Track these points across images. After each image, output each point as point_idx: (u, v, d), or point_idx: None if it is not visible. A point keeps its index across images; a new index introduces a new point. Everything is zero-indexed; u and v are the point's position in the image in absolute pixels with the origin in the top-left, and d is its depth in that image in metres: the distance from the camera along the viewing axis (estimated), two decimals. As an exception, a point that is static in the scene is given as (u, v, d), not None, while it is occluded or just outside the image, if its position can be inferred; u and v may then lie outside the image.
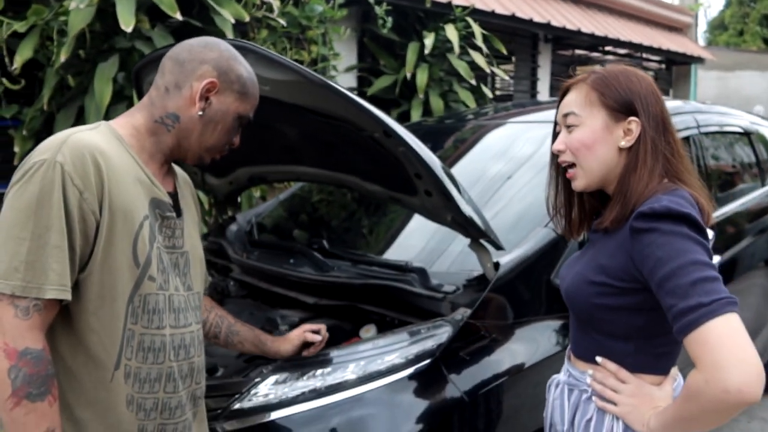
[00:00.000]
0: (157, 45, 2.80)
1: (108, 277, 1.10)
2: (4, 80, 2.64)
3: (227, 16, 2.86)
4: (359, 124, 1.62)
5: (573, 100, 1.23)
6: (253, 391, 1.54)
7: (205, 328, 1.51)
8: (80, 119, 2.83)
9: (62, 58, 2.54)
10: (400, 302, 1.85)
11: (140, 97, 2.28)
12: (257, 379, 1.56)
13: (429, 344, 1.60)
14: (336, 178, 2.08)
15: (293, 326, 1.96)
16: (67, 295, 1.06)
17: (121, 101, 2.84)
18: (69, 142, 1.09)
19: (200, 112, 1.20)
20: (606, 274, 1.16)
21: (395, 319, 1.88)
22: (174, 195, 1.25)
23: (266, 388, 1.55)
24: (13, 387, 1.01)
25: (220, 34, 2.97)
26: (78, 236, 1.07)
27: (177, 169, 1.37)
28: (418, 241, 2.16)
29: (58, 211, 1.04)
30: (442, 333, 1.61)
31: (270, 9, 3.29)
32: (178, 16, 2.64)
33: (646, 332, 1.17)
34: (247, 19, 2.92)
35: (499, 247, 1.72)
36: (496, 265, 1.72)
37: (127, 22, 2.51)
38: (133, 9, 2.58)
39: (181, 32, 3.01)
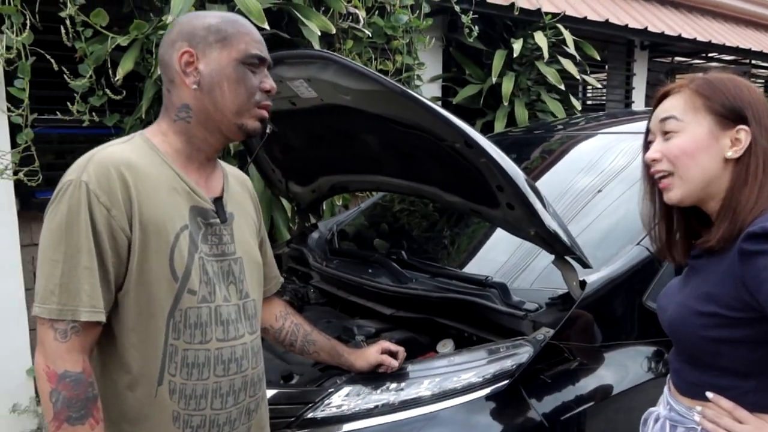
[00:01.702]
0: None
1: (145, 294, 1.07)
2: (108, 91, 2.81)
3: (314, 28, 2.91)
4: (440, 134, 1.58)
5: (673, 105, 1.13)
6: (326, 401, 1.53)
7: (280, 336, 1.51)
8: (175, 128, 2.95)
9: (159, 70, 2.67)
10: (478, 318, 1.79)
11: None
12: (331, 390, 1.55)
13: (508, 364, 1.53)
14: (416, 189, 2.05)
15: (369, 337, 1.94)
16: (100, 317, 1.04)
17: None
18: (94, 159, 1.06)
19: (194, 86, 1.12)
20: (715, 304, 1.05)
21: (473, 335, 1.82)
22: (219, 199, 1.19)
23: (339, 399, 1.53)
24: (54, 410, 1.01)
25: (307, 46, 3.03)
26: (110, 254, 1.05)
27: (230, 170, 1.31)
28: (498, 255, 2.09)
29: (86, 232, 1.02)
30: (523, 353, 1.54)
31: (356, 20, 3.32)
32: (266, 27, 2.71)
33: (767, 367, 1.05)
34: (333, 31, 2.96)
35: (586, 264, 1.62)
36: (583, 284, 1.63)
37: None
38: (225, 22, 2.67)
39: (270, 44, 3.09)
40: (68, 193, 1.04)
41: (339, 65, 1.55)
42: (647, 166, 1.18)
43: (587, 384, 1.65)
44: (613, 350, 1.73)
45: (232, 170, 1.32)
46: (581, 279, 1.63)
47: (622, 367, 1.73)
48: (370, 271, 2.16)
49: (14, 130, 2.78)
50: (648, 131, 1.20)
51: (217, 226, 1.16)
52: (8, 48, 2.64)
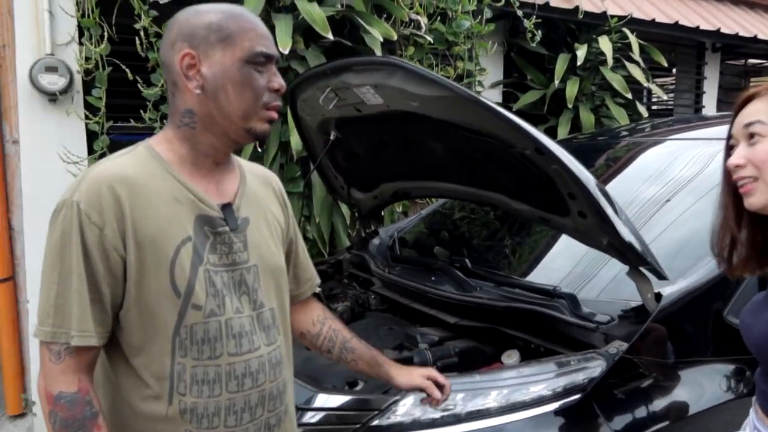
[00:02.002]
0: (310, 64, 2.93)
1: (147, 312, 1.03)
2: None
3: (376, 35, 2.92)
4: (509, 140, 1.55)
5: (759, 110, 1.07)
6: (392, 409, 1.52)
7: (317, 341, 1.41)
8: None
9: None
10: (546, 329, 1.75)
11: (294, 114, 2.39)
12: (397, 397, 1.53)
13: (579, 378, 1.48)
14: (481, 196, 2.02)
15: (433, 345, 1.92)
16: (89, 341, 1.01)
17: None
18: (87, 177, 1.03)
19: (198, 91, 1.05)
20: None
21: (540, 346, 1.77)
22: (229, 205, 1.12)
23: (405, 408, 1.52)
24: (53, 430, 1.01)
25: (370, 53, 3.05)
26: (103, 275, 1.01)
27: (251, 168, 1.24)
28: (564, 264, 2.04)
29: (77, 254, 1.00)
30: (595, 367, 1.49)
31: (418, 26, 3.32)
32: (330, 36, 2.74)
33: None
34: (395, 38, 2.97)
35: (662, 276, 1.56)
36: (658, 296, 1.56)
37: (284, 43, 2.65)
38: (290, 31, 2.72)
39: (333, 52, 3.14)
40: (61, 215, 1.01)
41: (408, 71, 1.55)
42: (728, 172, 1.12)
43: (661, 402, 1.58)
44: (689, 367, 1.65)
45: (253, 169, 1.25)
46: (656, 291, 1.57)
47: (698, 386, 1.65)
48: (433, 278, 2.14)
49: (91, 137, 2.91)
50: (730, 136, 1.14)
51: (226, 234, 1.10)
52: (87, 59, 2.77)
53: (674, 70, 5.94)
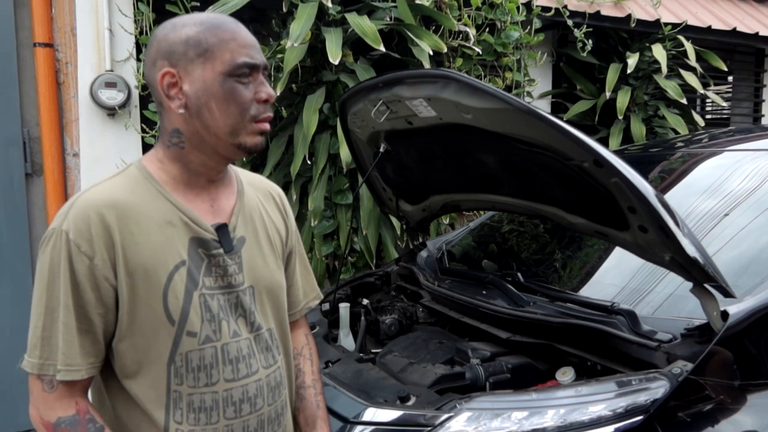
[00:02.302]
0: (359, 77, 2.95)
1: (141, 341, 1.01)
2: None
3: (425, 47, 2.92)
4: (566, 152, 1.52)
5: None
6: (445, 426, 1.50)
7: None
8: (290, 146, 3.07)
9: (278, 91, 2.79)
10: (603, 346, 1.69)
11: (344, 127, 2.41)
12: (450, 414, 1.51)
13: (641, 399, 1.42)
14: (534, 209, 1.99)
15: (484, 360, 1.89)
16: (74, 375, 0.98)
17: (325, 130, 3.04)
18: (76, 205, 1.00)
19: (181, 110, 1.01)
20: None
21: (597, 364, 1.72)
22: (225, 226, 1.08)
23: (459, 425, 1.49)
24: None
25: (418, 65, 3.05)
26: (94, 305, 0.98)
27: (250, 180, 1.21)
28: (619, 279, 1.97)
29: (65, 286, 0.97)
30: (657, 387, 1.43)
31: (466, 38, 3.31)
32: (382, 48, 2.75)
33: None
34: (444, 50, 2.96)
35: (728, 293, 1.49)
36: (725, 315, 1.49)
37: (334, 55, 2.68)
38: (340, 43, 2.75)
39: (381, 64, 3.15)
40: (50, 244, 0.99)
41: (462, 84, 1.53)
42: None
43: (728, 426, 1.50)
44: (758, 390, 1.57)
45: (253, 180, 1.22)
46: (723, 309, 1.50)
47: (767, 411, 1.57)
48: (483, 292, 2.11)
49: (147, 149, 3.00)
50: None
51: (221, 256, 1.07)
52: (144, 75, 2.86)
53: (731, 78, 5.74)
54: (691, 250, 1.41)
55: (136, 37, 2.90)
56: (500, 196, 2.08)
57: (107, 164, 2.92)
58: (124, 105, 2.89)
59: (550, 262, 2.42)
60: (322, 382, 1.33)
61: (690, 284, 1.54)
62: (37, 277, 1.01)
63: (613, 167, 1.39)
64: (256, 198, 1.19)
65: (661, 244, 1.49)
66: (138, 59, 2.92)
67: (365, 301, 2.61)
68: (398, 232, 3.20)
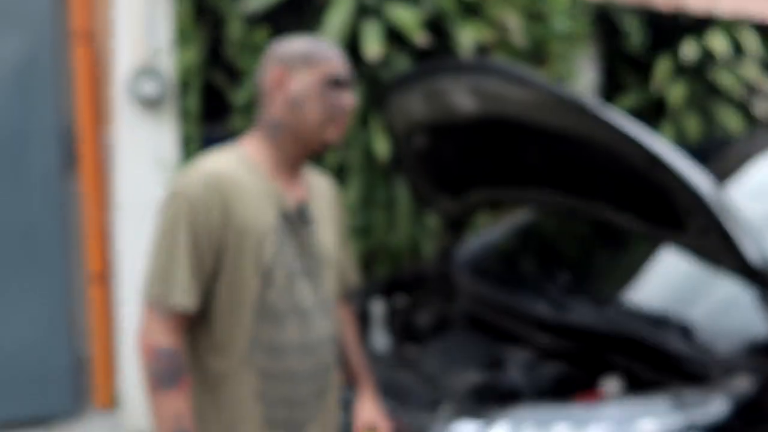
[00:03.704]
0: (397, 70, 2.86)
1: (235, 286, 1.22)
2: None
3: (468, 38, 2.81)
4: (621, 149, 1.41)
5: None
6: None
7: None
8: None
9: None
10: (653, 357, 1.58)
11: (384, 117, 2.33)
12: (487, 422, 1.42)
13: (697, 416, 1.31)
14: (582, 206, 1.87)
15: (524, 367, 1.80)
16: (189, 303, 1.19)
17: (361, 123, 2.96)
18: (192, 172, 1.23)
19: (283, 105, 1.25)
20: None
21: (647, 375, 1.61)
22: (303, 204, 1.31)
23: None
24: (151, 378, 1.19)
25: (460, 56, 2.94)
26: (206, 252, 1.20)
27: (315, 177, 1.43)
28: (671, 286, 1.85)
29: (185, 235, 1.19)
30: (717, 405, 1.31)
31: (509, 28, 3.18)
32: (422, 41, 2.65)
33: None
34: (490, 40, 2.84)
35: (796, 305, 1.36)
36: (792, 328, 1.37)
37: (372, 49, 2.60)
38: (377, 36, 2.66)
39: (420, 57, 3.05)
40: (173, 203, 1.22)
41: (510, 75, 1.44)
42: None
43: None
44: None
45: (316, 176, 1.45)
46: (790, 322, 1.37)
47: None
48: (525, 295, 2.01)
49: (186, 143, 2.98)
50: None
51: (300, 228, 1.29)
52: (183, 66, 2.84)
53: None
54: (756, 258, 1.29)
55: (176, 26, 2.87)
56: (545, 191, 1.97)
57: (144, 157, 2.91)
58: (161, 97, 2.86)
59: (596, 265, 2.30)
60: (358, 342, 1.57)
61: (750, 293, 1.42)
62: (160, 228, 1.23)
63: (672, 166, 1.27)
64: (319, 190, 1.42)
65: (722, 250, 1.37)
66: (176, 50, 2.90)
67: (399, 300, 2.53)
68: (434, 230, 3.11)
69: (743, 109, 3.94)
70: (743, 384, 1.33)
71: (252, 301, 1.24)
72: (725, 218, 1.26)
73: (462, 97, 1.73)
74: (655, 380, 1.57)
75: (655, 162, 1.31)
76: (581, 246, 2.52)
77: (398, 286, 2.68)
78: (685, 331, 1.50)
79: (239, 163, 1.27)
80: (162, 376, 1.19)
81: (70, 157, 2.94)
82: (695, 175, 1.27)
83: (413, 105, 1.97)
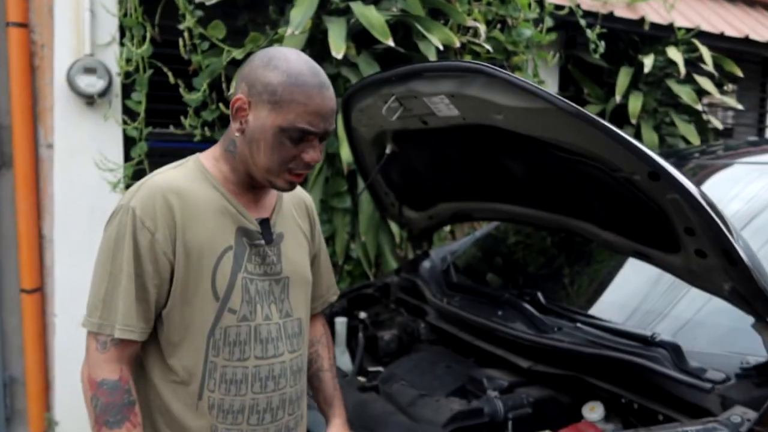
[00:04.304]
0: (362, 71, 2.73)
1: (188, 312, 1.13)
2: (221, 105, 2.73)
3: (435, 41, 2.71)
4: (615, 162, 1.31)
5: None
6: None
7: None
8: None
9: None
10: (640, 382, 1.49)
11: (346, 125, 2.19)
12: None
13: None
14: (562, 223, 1.78)
15: (502, 391, 1.68)
16: (131, 335, 1.10)
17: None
18: (144, 186, 1.13)
19: (237, 133, 1.15)
20: None
21: (632, 402, 1.52)
22: (266, 221, 1.21)
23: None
24: (95, 414, 1.09)
25: (423, 60, 2.84)
26: (151, 276, 1.10)
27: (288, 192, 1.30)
28: (653, 304, 1.77)
29: (128, 255, 1.09)
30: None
31: (475, 34, 3.10)
32: (390, 42, 2.53)
33: None
34: (457, 44, 2.75)
35: (795, 331, 1.29)
36: (791, 355, 1.30)
37: (338, 48, 2.46)
38: (344, 35, 2.53)
39: (384, 58, 2.93)
40: (118, 218, 1.12)
41: (496, 79, 1.32)
42: None
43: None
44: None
45: (292, 193, 1.31)
46: (789, 348, 1.30)
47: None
48: (500, 313, 1.90)
49: (128, 143, 2.75)
50: None
51: (262, 246, 1.19)
52: (128, 60, 2.61)
53: (733, 88, 5.59)
54: (760, 281, 1.21)
55: (120, 19, 2.64)
56: (522, 207, 1.88)
57: (84, 157, 2.67)
58: (104, 93, 2.63)
59: (571, 280, 2.22)
60: (335, 367, 1.48)
61: (744, 317, 1.35)
62: (102, 247, 1.13)
63: (675, 182, 1.18)
64: (290, 203, 1.31)
65: (721, 272, 1.30)
66: (121, 43, 2.67)
67: (362, 315, 2.39)
68: (398, 240, 2.99)
69: (700, 121, 4.00)
70: (741, 416, 1.25)
71: (207, 329, 1.13)
72: (731, 241, 1.18)
73: (439, 103, 1.61)
74: (642, 407, 1.49)
75: (658, 177, 1.22)
76: (552, 259, 2.44)
77: (361, 299, 2.54)
78: (677, 356, 1.42)
79: (195, 177, 1.17)
80: (107, 413, 1.09)
81: (3, 157, 2.66)
82: (700, 194, 1.18)
83: (381, 110, 1.83)
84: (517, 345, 1.75)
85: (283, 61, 1.11)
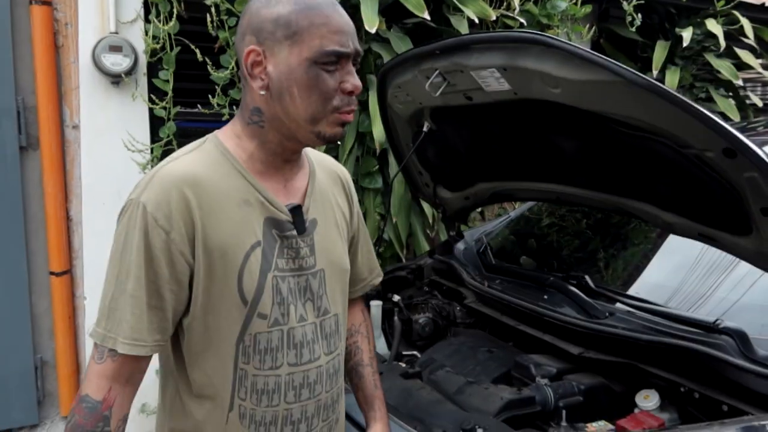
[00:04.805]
0: (393, 46, 2.64)
1: (213, 320, 0.99)
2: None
3: (470, 14, 2.60)
4: (686, 138, 1.22)
5: None
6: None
7: None
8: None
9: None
10: (701, 370, 1.42)
11: (381, 102, 2.11)
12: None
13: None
14: (615, 203, 1.69)
15: (551, 378, 1.62)
16: (139, 351, 0.95)
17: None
18: (156, 177, 0.97)
19: (262, 92, 0.98)
20: None
21: (694, 391, 1.45)
22: (298, 207, 1.05)
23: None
24: (65, 428, 0.96)
25: (456, 34, 2.74)
26: (167, 281, 0.95)
27: (319, 160, 1.17)
28: (718, 291, 1.68)
29: (137, 257, 0.94)
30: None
31: (509, 7, 2.98)
32: (426, 16, 2.44)
33: None
34: (494, 17, 2.65)
35: None
36: None
37: (371, 22, 2.37)
38: (376, 8, 2.43)
39: (416, 33, 2.84)
40: (127, 214, 0.96)
41: (556, 50, 1.24)
42: None
43: None
44: None
45: (323, 161, 1.19)
46: None
47: None
48: (545, 297, 1.83)
49: (155, 122, 2.69)
50: None
51: (294, 238, 1.05)
52: (154, 38, 2.55)
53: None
54: None
55: (145, -5, 2.58)
56: (571, 186, 1.79)
57: (111, 137, 2.62)
58: (130, 72, 2.57)
59: (615, 262, 2.13)
60: (377, 360, 1.34)
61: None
62: (112, 248, 0.98)
63: (756, 158, 1.09)
64: (325, 180, 1.16)
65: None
66: (147, 20, 2.60)
67: (396, 298, 2.33)
68: (429, 221, 2.91)
69: (738, 97, 3.86)
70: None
71: (234, 338, 1.00)
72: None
73: (488, 77, 1.52)
74: (704, 396, 1.42)
75: (734, 154, 1.13)
76: (600, 240, 2.35)
77: (394, 281, 2.48)
78: (743, 343, 1.34)
79: (215, 161, 1.01)
80: None
81: (29, 138, 2.62)
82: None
83: (424, 86, 1.74)
84: (567, 330, 1.68)
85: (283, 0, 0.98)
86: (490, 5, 2.94)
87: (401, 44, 2.62)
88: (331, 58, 0.96)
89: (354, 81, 0.99)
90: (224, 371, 1.01)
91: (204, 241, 0.96)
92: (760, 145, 1.16)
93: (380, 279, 1.35)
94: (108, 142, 2.62)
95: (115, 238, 0.98)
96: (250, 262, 0.99)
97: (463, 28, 2.75)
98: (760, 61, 3.96)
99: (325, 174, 1.17)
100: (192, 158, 1.01)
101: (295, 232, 1.05)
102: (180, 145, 2.63)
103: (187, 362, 1.02)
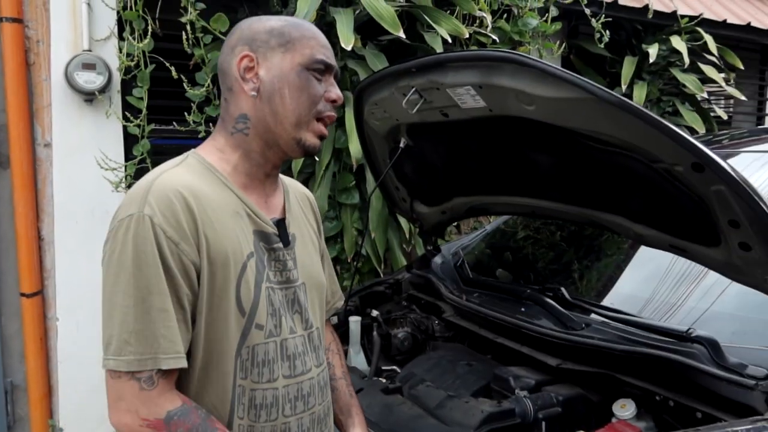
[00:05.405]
0: (369, 63, 2.67)
1: (214, 331, 0.99)
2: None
3: (443, 32, 2.65)
4: (655, 153, 1.26)
5: None
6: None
7: None
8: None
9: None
10: (675, 379, 1.45)
11: (358, 118, 2.13)
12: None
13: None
14: (588, 216, 1.73)
15: (530, 390, 1.64)
16: (181, 362, 0.95)
17: (329, 122, 2.75)
18: (154, 188, 0.96)
19: (253, 93, 1.03)
20: None
21: (668, 399, 1.48)
22: (282, 221, 1.10)
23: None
24: None
25: (431, 51, 2.78)
26: (185, 291, 0.96)
27: (290, 183, 1.23)
28: (687, 299, 1.73)
29: (156, 270, 0.93)
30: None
31: (481, 24, 3.04)
32: (401, 34, 2.47)
33: None
34: (466, 35, 2.69)
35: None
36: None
37: (347, 39, 2.40)
38: (351, 26, 2.46)
39: (391, 50, 2.87)
40: (132, 230, 0.93)
41: (529, 69, 1.27)
42: None
43: None
44: None
45: (291, 183, 1.25)
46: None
47: None
48: (523, 309, 1.85)
49: (129, 140, 2.67)
50: None
51: (281, 251, 1.08)
52: (128, 55, 2.53)
53: (734, 76, 5.58)
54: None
55: (119, 12, 2.56)
56: (545, 200, 1.82)
57: (84, 156, 2.59)
58: (103, 89, 2.55)
59: (596, 275, 2.18)
60: (349, 374, 1.36)
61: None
62: (115, 269, 0.94)
63: (722, 172, 1.14)
64: (297, 201, 1.21)
65: (765, 265, 1.25)
66: (121, 38, 2.58)
67: (375, 313, 2.34)
68: (406, 235, 2.93)
69: (704, 109, 3.98)
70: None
71: (234, 350, 1.00)
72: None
73: (464, 95, 1.55)
74: (678, 404, 1.45)
75: (702, 168, 1.17)
76: (573, 252, 2.40)
77: (372, 296, 2.48)
78: (715, 351, 1.38)
79: (201, 174, 1.02)
80: None
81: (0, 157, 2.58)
82: (747, 185, 1.14)
83: (401, 103, 1.77)
84: (544, 342, 1.70)
85: (269, 16, 1.09)
86: (463, 22, 3.00)
87: (377, 61, 2.65)
88: (320, 66, 1.05)
89: (337, 91, 1.08)
90: (224, 388, 1.01)
91: (207, 251, 0.97)
92: (725, 158, 1.21)
93: (342, 302, 1.38)
94: (81, 160, 2.59)
95: (120, 258, 0.94)
96: (247, 273, 1.01)
97: (438, 46, 2.80)
98: (722, 75, 4.10)
99: (296, 195, 1.22)
100: (180, 171, 1.02)
101: (281, 245, 1.08)
102: (155, 163, 2.63)
103: (190, 380, 1.01)
